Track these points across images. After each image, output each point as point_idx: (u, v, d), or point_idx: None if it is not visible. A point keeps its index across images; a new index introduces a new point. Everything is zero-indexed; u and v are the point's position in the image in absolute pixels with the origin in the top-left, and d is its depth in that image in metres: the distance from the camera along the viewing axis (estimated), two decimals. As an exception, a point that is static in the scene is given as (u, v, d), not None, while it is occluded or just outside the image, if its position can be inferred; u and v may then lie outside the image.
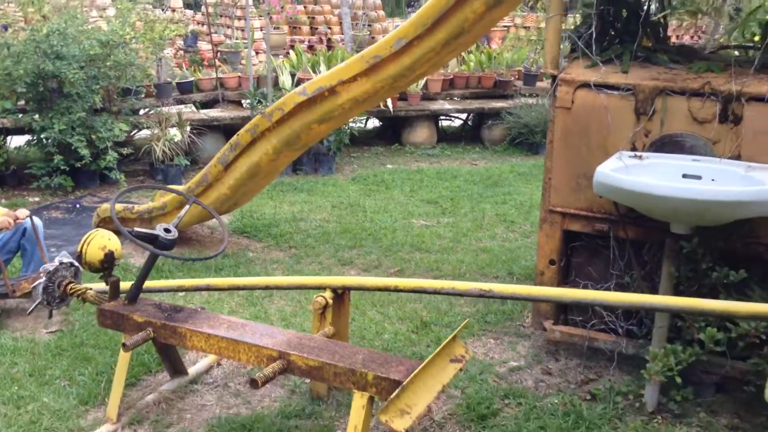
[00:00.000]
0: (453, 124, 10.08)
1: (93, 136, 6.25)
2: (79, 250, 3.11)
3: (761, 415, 3.13)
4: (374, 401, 2.69)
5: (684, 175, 3.10)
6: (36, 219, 4.11)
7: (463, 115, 9.85)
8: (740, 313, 2.71)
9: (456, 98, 9.31)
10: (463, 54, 10.28)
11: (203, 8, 13.95)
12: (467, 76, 9.46)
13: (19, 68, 5.94)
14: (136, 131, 7.34)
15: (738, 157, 3.15)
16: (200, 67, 9.50)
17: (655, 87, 3.24)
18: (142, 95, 7.22)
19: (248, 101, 7.86)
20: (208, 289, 3.49)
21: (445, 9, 3.94)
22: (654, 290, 3.31)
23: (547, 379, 3.55)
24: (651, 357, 3.09)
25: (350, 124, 8.01)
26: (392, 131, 9.14)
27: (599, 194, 3.14)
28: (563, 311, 3.77)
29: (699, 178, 3.07)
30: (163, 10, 14.75)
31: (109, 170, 6.37)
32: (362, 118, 9.16)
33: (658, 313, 3.22)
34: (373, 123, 9.73)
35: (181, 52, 12.25)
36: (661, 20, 3.66)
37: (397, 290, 3.45)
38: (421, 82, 8.88)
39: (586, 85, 3.39)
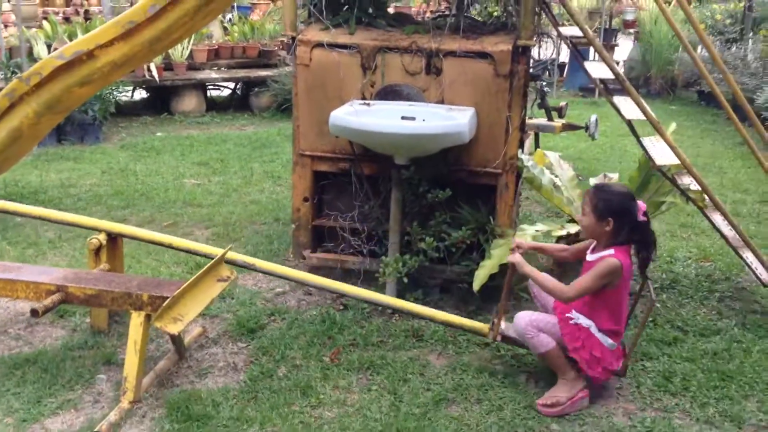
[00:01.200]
0: (222, 94, 10.38)
1: None
2: None
3: (473, 304, 3.97)
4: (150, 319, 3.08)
5: (402, 117, 3.80)
6: None
7: (231, 85, 10.18)
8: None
9: (222, 68, 9.61)
10: (226, 25, 10.61)
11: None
12: (232, 46, 9.80)
13: None
14: None
15: (442, 102, 3.92)
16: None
17: (375, 46, 3.92)
18: None
19: (1, 72, 7.56)
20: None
21: (197, -24, 4.31)
22: (388, 214, 4.01)
23: (307, 298, 4.14)
24: (384, 265, 3.80)
25: (116, 95, 8.04)
26: (160, 101, 9.24)
27: (334, 134, 3.76)
28: (319, 241, 4.37)
29: (413, 118, 3.79)
30: None
31: None
32: (128, 88, 9.16)
33: (390, 232, 3.94)
34: (141, 94, 9.73)
35: None
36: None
37: (171, 247, 3.80)
38: (186, 52, 9.08)
39: (320, 45, 3.98)
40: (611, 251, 3.02)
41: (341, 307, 4.01)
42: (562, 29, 4.01)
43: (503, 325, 3.30)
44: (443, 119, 3.71)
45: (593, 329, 3.06)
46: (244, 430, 2.93)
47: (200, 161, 6.86)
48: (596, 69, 3.87)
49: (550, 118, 6.62)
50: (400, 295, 3.99)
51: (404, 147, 3.68)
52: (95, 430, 2.86)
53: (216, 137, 7.89)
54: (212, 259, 3.35)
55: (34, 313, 2.95)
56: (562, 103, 6.80)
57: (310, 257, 4.28)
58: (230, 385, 3.25)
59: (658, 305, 4.03)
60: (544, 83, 6.67)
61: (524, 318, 3.13)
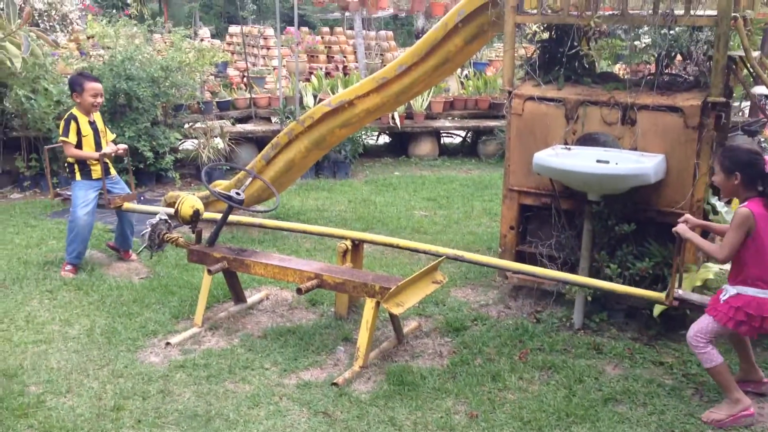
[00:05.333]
0: (454, 141, 11.47)
1: (154, 143, 7.68)
2: (175, 209, 4.48)
3: (654, 329, 4.41)
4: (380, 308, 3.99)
5: (597, 160, 4.42)
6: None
7: (463, 133, 11.24)
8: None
9: (456, 118, 10.71)
10: (462, 80, 11.74)
11: (228, 38, 15.54)
12: (466, 99, 10.86)
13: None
14: (184, 140, 8.77)
15: (635, 149, 4.48)
16: (230, 90, 10.97)
17: (578, 99, 4.60)
18: (189, 111, 8.67)
19: (277, 117, 9.28)
20: (261, 226, 4.93)
21: (435, 43, 5.35)
22: (581, 244, 4.60)
23: (506, 311, 4.86)
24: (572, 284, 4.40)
25: (364, 139, 9.43)
26: (400, 145, 10.54)
27: (537, 173, 4.48)
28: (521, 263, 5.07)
29: (607, 162, 4.39)
30: (192, 39, 16.30)
31: (166, 171, 7.79)
32: (375, 133, 10.57)
33: (581, 259, 4.54)
34: (384, 139, 11.14)
35: (212, 77, 13.78)
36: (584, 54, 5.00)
37: (398, 247, 4.82)
38: (425, 104, 10.29)
39: (532, 98, 4.74)
40: (744, 204, 3.35)
41: (534, 320, 4.67)
42: (755, 88, 4.39)
43: (680, 291, 3.74)
44: (632, 163, 4.27)
45: (742, 290, 3.35)
46: (443, 398, 3.72)
47: (429, 197, 7.89)
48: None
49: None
50: (587, 315, 4.56)
51: (595, 185, 4.30)
52: (334, 381, 3.82)
53: (444, 178, 8.91)
54: (431, 255, 4.24)
55: (299, 291, 4.02)
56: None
57: (512, 277, 5.00)
58: (435, 366, 4.06)
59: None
60: (762, 139, 6.77)
61: (691, 329, 3.49)
